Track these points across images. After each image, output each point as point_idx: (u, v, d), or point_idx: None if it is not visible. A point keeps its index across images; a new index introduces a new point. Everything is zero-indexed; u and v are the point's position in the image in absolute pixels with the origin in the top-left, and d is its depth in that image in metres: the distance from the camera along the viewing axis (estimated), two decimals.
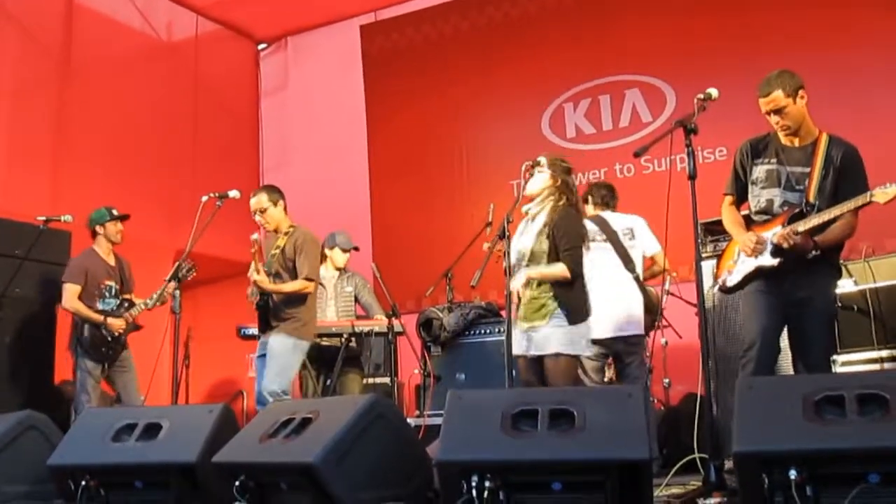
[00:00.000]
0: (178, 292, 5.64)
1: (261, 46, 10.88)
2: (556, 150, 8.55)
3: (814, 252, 4.08)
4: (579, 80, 8.71)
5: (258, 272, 5.79)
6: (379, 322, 6.74)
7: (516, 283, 4.67)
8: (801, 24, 7.60)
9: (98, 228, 6.78)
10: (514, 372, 4.58)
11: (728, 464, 3.46)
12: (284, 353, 5.79)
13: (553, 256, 4.70)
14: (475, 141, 9.26)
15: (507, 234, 4.58)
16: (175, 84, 9.50)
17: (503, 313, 6.08)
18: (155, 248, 8.07)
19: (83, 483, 3.92)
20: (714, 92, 4.07)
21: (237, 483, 3.56)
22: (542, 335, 4.64)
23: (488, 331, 6.52)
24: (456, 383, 6.54)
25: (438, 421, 6.08)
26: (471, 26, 9.37)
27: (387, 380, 7.13)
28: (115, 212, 6.80)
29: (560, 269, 4.66)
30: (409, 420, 6.63)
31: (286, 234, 6.02)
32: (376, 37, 10.04)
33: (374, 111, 9.88)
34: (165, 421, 4.05)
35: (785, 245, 4.06)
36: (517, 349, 4.71)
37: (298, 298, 5.87)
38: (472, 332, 6.58)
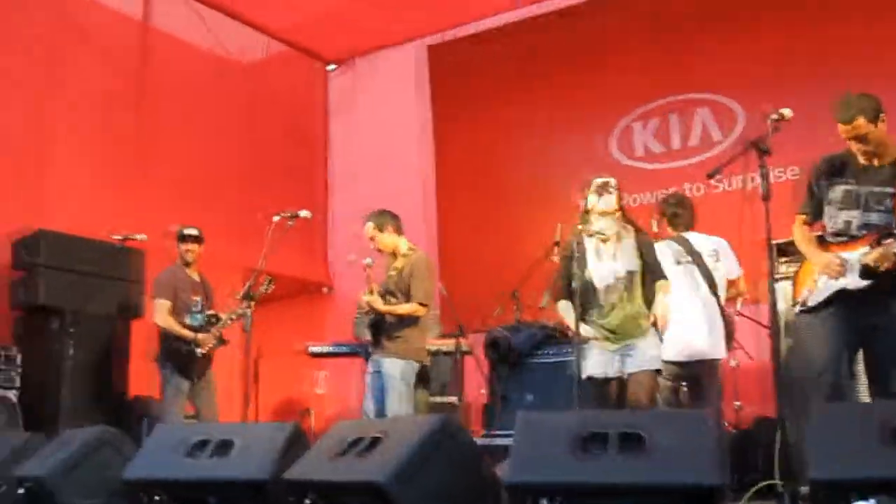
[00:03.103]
0: (250, 311, 5.72)
1: (330, 67, 11.04)
2: (625, 169, 8.53)
3: None
4: (648, 99, 8.65)
5: (371, 292, 5.89)
6: (444, 343, 6.81)
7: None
8: (874, 39, 7.43)
9: (178, 246, 6.90)
10: (578, 393, 4.57)
11: (804, 490, 3.39)
12: (400, 377, 5.89)
13: (645, 278, 4.86)
14: (542, 160, 9.24)
15: (575, 254, 4.60)
16: (246, 104, 9.67)
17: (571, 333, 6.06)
18: (225, 265, 8.18)
19: (156, 497, 3.99)
20: (787, 112, 4.01)
21: (307, 500, 3.59)
22: (640, 351, 4.70)
23: (556, 351, 6.48)
24: (523, 404, 6.50)
25: (505, 441, 6.09)
26: (539, 45, 9.36)
27: (453, 399, 7.14)
28: (184, 232, 6.88)
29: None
30: (476, 440, 6.63)
31: (404, 256, 6.10)
32: (444, 57, 10.09)
33: (441, 130, 9.93)
34: (238, 438, 4.10)
35: (884, 267, 3.96)
36: (600, 370, 4.74)
37: (410, 320, 5.96)
38: (541, 353, 6.54)
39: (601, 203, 4.88)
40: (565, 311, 4.94)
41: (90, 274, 6.94)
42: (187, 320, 6.69)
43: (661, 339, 4.82)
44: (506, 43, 9.62)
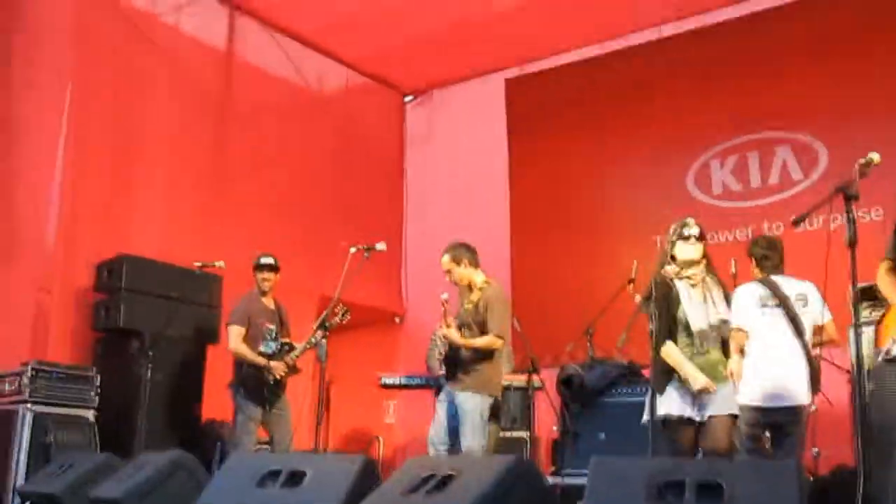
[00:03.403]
0: (324, 340, 5.78)
1: (407, 98, 11.17)
2: (702, 206, 8.42)
3: None
4: (727, 137, 8.55)
5: (448, 326, 5.91)
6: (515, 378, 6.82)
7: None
8: None
9: (254, 275, 7.00)
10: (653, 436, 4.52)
11: None
12: (475, 410, 5.89)
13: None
14: (618, 195, 9.19)
15: (653, 296, 4.56)
16: (324, 134, 9.81)
17: (646, 373, 5.98)
18: (301, 293, 8.27)
19: None
20: (876, 157, 3.92)
21: None
22: (721, 395, 4.75)
23: (630, 390, 6.40)
24: (595, 442, 6.43)
25: (575, 481, 6.03)
26: (618, 80, 9.32)
27: (523, 433, 7.10)
28: (261, 261, 6.99)
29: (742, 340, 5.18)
30: (546, 478, 6.58)
31: (480, 289, 6.12)
32: (521, 90, 10.12)
33: (516, 163, 9.94)
34: (309, 469, 4.12)
35: None
36: (684, 412, 4.75)
37: (485, 354, 5.96)
38: (614, 391, 6.47)
39: (688, 251, 4.91)
40: (674, 353, 4.88)
41: (169, 298, 7.06)
42: (261, 347, 6.78)
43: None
44: (584, 77, 9.60)
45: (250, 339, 6.79)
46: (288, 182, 9.20)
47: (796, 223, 3.94)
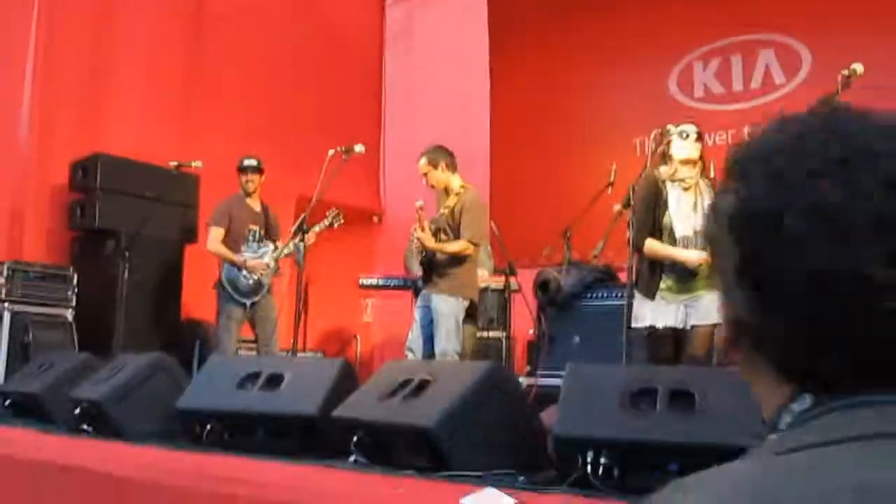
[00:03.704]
0: (302, 244, 5.79)
1: None
2: (683, 109, 8.37)
3: None
4: (711, 38, 8.44)
5: (422, 230, 5.91)
6: (492, 279, 6.89)
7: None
8: None
9: (238, 177, 6.99)
10: (629, 341, 4.57)
11: None
12: (449, 313, 5.96)
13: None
14: (599, 95, 9.11)
15: (631, 203, 4.55)
16: (303, 32, 9.59)
17: (622, 276, 6.03)
18: (279, 193, 8.21)
19: (208, 426, 4.08)
20: (859, 68, 3.90)
21: (355, 438, 3.65)
22: (704, 304, 4.66)
23: (606, 294, 6.45)
24: (570, 345, 6.52)
25: (550, 382, 6.13)
26: None
27: (500, 334, 7.17)
28: (244, 162, 6.97)
29: None
30: (520, 380, 6.67)
31: (456, 194, 6.11)
32: None
33: (497, 63, 9.78)
34: (288, 372, 4.17)
35: None
36: (662, 320, 4.73)
37: (460, 258, 5.99)
38: (590, 296, 6.52)
39: (685, 150, 4.78)
40: (657, 245, 4.84)
41: (146, 198, 7.01)
42: (242, 248, 6.81)
43: None
44: None
45: (232, 240, 6.81)
46: (265, 81, 9.03)
47: None
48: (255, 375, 4.21)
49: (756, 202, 0.86)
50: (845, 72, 3.91)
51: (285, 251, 6.62)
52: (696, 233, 4.73)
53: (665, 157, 4.86)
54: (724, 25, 8.35)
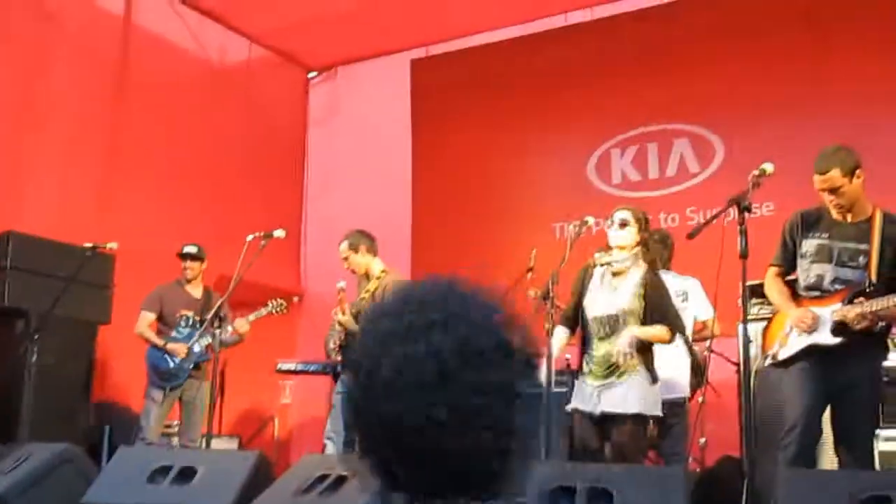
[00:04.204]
0: (219, 331, 5.76)
1: (311, 75, 10.93)
2: (601, 195, 8.53)
3: (879, 326, 4.03)
4: (628, 127, 8.63)
5: (343, 313, 5.91)
6: None
7: (625, 344, 4.57)
8: (861, 79, 7.44)
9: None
10: (552, 433, 4.55)
11: None
12: None
13: (645, 317, 4.67)
14: (519, 181, 9.22)
15: (551, 295, 4.58)
16: (226, 110, 9.56)
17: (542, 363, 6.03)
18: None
19: None
20: (769, 167, 4.03)
21: None
22: (616, 393, 4.59)
23: (527, 382, 6.43)
24: None
25: None
26: (524, 66, 9.31)
27: None
28: (184, 250, 7.04)
29: (664, 333, 4.69)
30: None
31: (377, 278, 6.11)
32: (426, 71, 10.05)
33: (419, 145, 9.89)
34: (201, 466, 4.08)
35: (858, 325, 3.99)
36: (580, 403, 4.71)
37: None
38: None
39: (611, 237, 4.81)
40: (555, 337, 4.88)
41: (59, 277, 6.82)
42: (173, 333, 6.84)
43: (656, 384, 4.70)
44: (489, 61, 9.58)
45: (164, 325, 6.90)
46: (187, 159, 8.94)
47: (690, 237, 4.03)
48: (167, 469, 4.11)
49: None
50: (756, 172, 4.03)
51: (202, 341, 6.58)
52: (608, 314, 4.71)
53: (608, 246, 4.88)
54: (641, 114, 8.56)
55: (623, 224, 4.79)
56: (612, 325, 4.69)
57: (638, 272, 4.76)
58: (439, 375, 1.07)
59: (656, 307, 4.69)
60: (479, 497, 1.10)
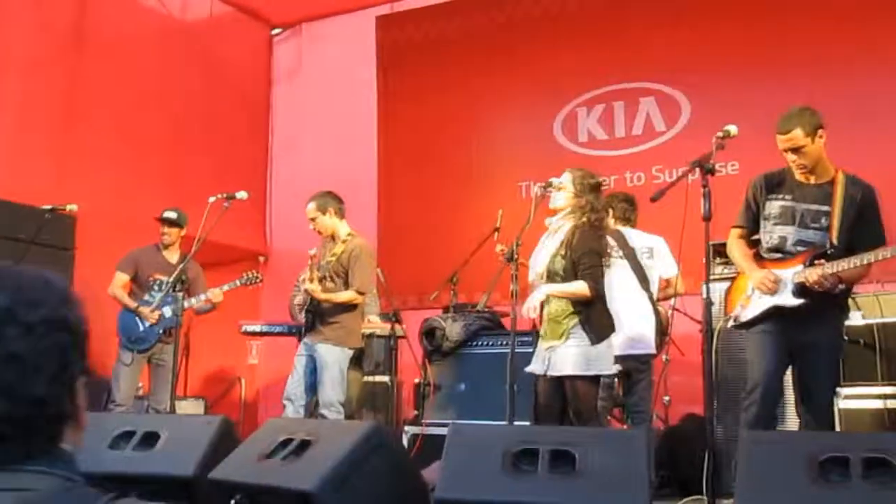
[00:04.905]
0: (181, 295, 5.74)
1: (275, 31, 10.75)
2: (568, 154, 8.51)
3: (839, 288, 4.06)
4: (595, 85, 8.59)
5: (311, 281, 5.87)
6: (377, 326, 6.94)
7: (535, 300, 4.62)
8: (825, 42, 7.45)
9: None
10: (516, 394, 4.56)
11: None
12: (335, 362, 5.95)
13: (570, 276, 4.66)
14: (486, 140, 9.17)
15: (515, 257, 4.57)
16: (188, 66, 9.39)
17: (507, 322, 6.04)
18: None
19: None
20: (733, 129, 4.02)
21: (233, 502, 3.55)
22: (559, 355, 4.62)
23: (491, 342, 6.46)
24: (456, 393, 6.52)
25: (436, 430, 6.11)
26: (489, 23, 9.24)
27: (386, 378, 7.12)
28: (163, 215, 6.93)
29: (580, 288, 4.63)
30: (407, 428, 6.64)
31: (343, 241, 6.08)
32: (392, 28, 9.93)
33: (385, 104, 9.79)
34: (164, 430, 4.04)
35: (818, 287, 4.01)
36: (538, 367, 4.74)
37: (347, 306, 6.00)
38: (476, 343, 6.52)
39: (552, 200, 4.84)
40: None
41: (19, 240, 6.73)
42: (146, 297, 6.79)
43: (601, 343, 4.69)
44: (455, 18, 9.48)
45: (138, 288, 6.84)
46: (148, 118, 8.78)
47: (654, 199, 4.02)
48: (129, 434, 4.05)
49: None
50: (719, 133, 4.02)
51: (174, 305, 6.50)
52: (538, 275, 4.74)
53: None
54: (608, 73, 8.52)
55: (558, 187, 4.81)
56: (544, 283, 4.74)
57: (562, 232, 4.78)
58: None
59: (576, 262, 4.66)
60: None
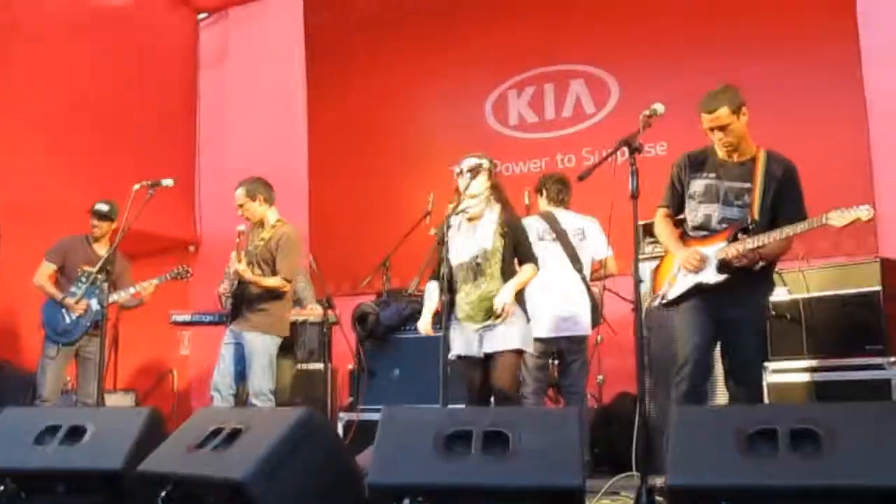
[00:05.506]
0: (106, 284, 5.63)
1: (201, 16, 10.55)
2: (498, 137, 8.53)
3: (760, 264, 4.13)
4: (525, 68, 8.59)
5: (240, 261, 5.79)
6: (313, 313, 6.87)
7: (505, 298, 4.58)
8: (748, 26, 7.54)
9: None
10: (449, 378, 4.55)
11: (659, 482, 3.48)
12: (264, 350, 5.87)
13: (508, 255, 4.71)
14: (417, 124, 9.15)
15: (446, 239, 4.59)
16: (113, 51, 9.13)
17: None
18: (87, 223, 7.85)
19: (2, 487, 3.81)
20: (660, 108, 4.04)
21: (163, 493, 3.49)
22: (499, 332, 4.61)
23: None
24: (390, 378, 6.50)
25: (371, 416, 6.08)
26: (419, 5, 9.19)
27: (320, 366, 7.07)
28: (94, 207, 6.77)
29: (531, 272, 4.75)
30: (341, 415, 6.61)
31: (272, 227, 6.02)
32: (320, 11, 9.82)
33: (315, 87, 9.69)
34: (90, 424, 3.97)
35: (738, 263, 4.08)
36: (464, 350, 4.73)
37: (274, 294, 5.91)
38: (408, 328, 6.50)
39: (472, 186, 4.80)
40: (427, 295, 4.98)
41: None
42: (72, 289, 6.62)
43: (530, 321, 4.80)
44: (384, 1, 9.42)
45: (65, 279, 6.68)
46: (72, 104, 8.53)
47: (581, 178, 4.04)
48: (55, 429, 3.98)
49: None
50: (646, 112, 4.04)
51: (101, 297, 6.35)
52: (471, 257, 4.73)
53: (457, 193, 4.87)
54: (538, 55, 8.53)
55: (474, 172, 4.79)
56: (476, 268, 4.72)
57: (494, 212, 4.80)
58: None
59: (518, 243, 4.77)
60: None
